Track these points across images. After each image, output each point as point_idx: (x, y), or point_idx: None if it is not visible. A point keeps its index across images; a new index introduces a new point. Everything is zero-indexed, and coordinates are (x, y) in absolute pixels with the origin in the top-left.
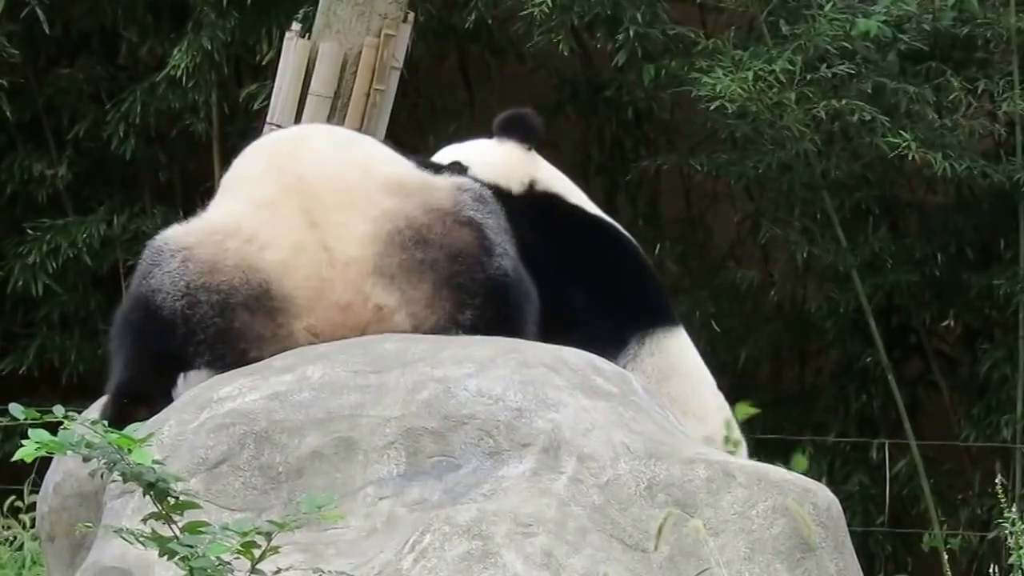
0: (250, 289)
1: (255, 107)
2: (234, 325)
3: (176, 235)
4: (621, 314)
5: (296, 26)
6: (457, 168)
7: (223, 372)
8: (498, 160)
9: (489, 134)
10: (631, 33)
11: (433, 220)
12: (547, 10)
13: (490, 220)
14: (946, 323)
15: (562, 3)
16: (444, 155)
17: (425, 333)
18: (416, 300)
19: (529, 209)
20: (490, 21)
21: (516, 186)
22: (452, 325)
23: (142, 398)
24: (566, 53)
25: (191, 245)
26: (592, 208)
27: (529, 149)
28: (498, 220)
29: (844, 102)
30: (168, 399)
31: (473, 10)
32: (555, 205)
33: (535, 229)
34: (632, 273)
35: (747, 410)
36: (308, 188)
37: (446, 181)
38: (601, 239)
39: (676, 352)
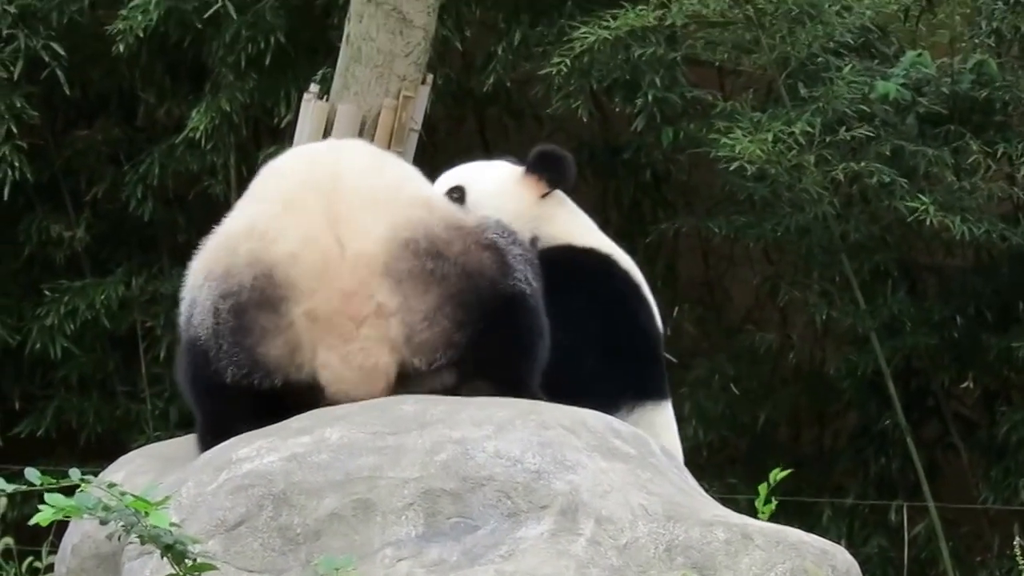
0: (256, 282)
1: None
2: (244, 323)
3: (198, 259)
4: (615, 382)
5: (314, 88)
6: (457, 192)
7: (244, 379)
8: (506, 202)
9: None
10: (650, 98)
11: (454, 237)
12: (565, 72)
13: (514, 249)
14: (965, 385)
15: (581, 67)
16: (456, 175)
17: (417, 345)
18: (416, 311)
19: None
20: (508, 84)
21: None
22: (445, 344)
23: (228, 434)
24: (585, 119)
25: (208, 263)
26: (611, 257)
27: (549, 193)
28: (523, 251)
29: (863, 164)
30: (255, 422)
31: (491, 73)
32: (555, 264)
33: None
34: (631, 340)
35: (779, 474)
36: (338, 188)
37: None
38: (602, 301)
39: (659, 426)
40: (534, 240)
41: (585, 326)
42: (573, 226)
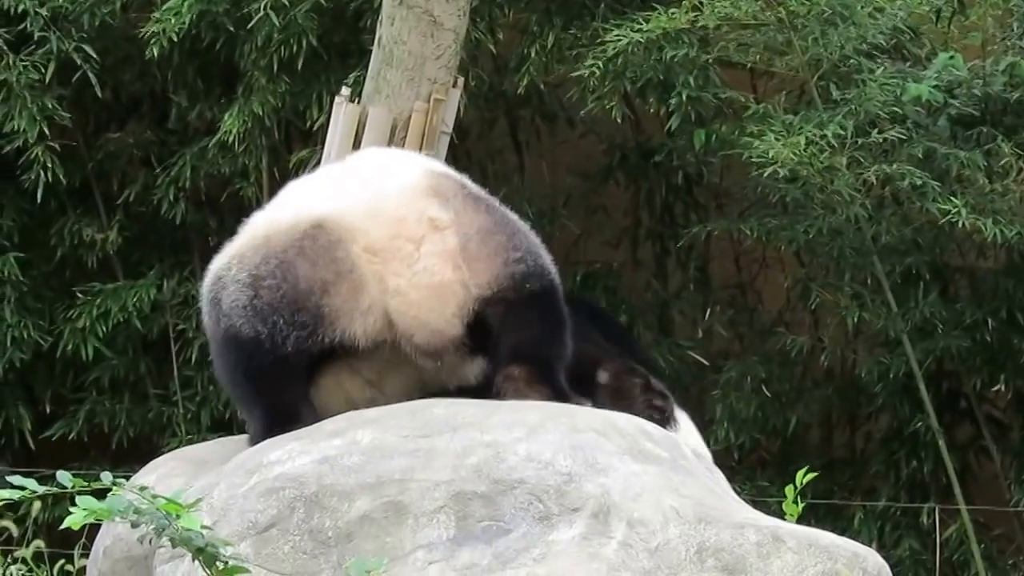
0: (304, 234)
1: (305, 173)
2: (299, 284)
3: (220, 255)
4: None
5: (346, 91)
6: None
7: (309, 340)
8: None
9: (541, 198)
10: (684, 98)
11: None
12: (598, 73)
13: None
14: (997, 388)
15: (615, 69)
16: None
17: (473, 257)
18: (471, 224)
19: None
20: (542, 86)
21: None
22: (504, 264)
23: (289, 423)
24: (619, 120)
25: (238, 247)
26: None
27: None
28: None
29: (895, 167)
30: (311, 407)
31: (525, 75)
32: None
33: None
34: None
35: (805, 476)
36: (361, 163)
37: None
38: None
39: None
40: None
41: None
42: None
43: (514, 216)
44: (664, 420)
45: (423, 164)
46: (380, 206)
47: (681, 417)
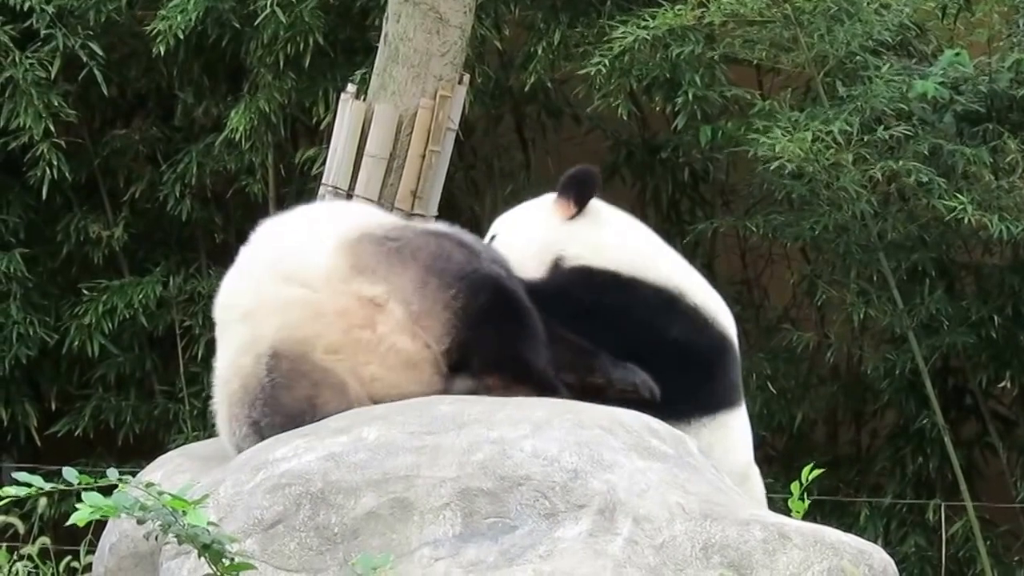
0: (268, 368)
1: (312, 170)
2: (289, 412)
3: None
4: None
5: (352, 88)
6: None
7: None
8: (530, 231)
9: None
10: (690, 96)
11: (403, 227)
12: (605, 71)
13: (465, 236)
14: (1002, 384)
15: (621, 67)
16: (500, 222)
17: (420, 317)
18: (403, 287)
19: (551, 291)
20: (549, 84)
21: (536, 267)
22: (445, 308)
23: None
24: (625, 117)
25: (217, 383)
26: (643, 272)
27: (577, 212)
28: (475, 240)
29: (901, 163)
30: None
31: (532, 73)
32: (580, 284)
33: (556, 313)
34: (663, 354)
35: (811, 473)
36: (274, 251)
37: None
38: (633, 318)
39: (710, 443)
40: (558, 262)
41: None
42: (596, 246)
43: (433, 231)
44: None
45: (333, 235)
46: (317, 308)
47: (717, 430)
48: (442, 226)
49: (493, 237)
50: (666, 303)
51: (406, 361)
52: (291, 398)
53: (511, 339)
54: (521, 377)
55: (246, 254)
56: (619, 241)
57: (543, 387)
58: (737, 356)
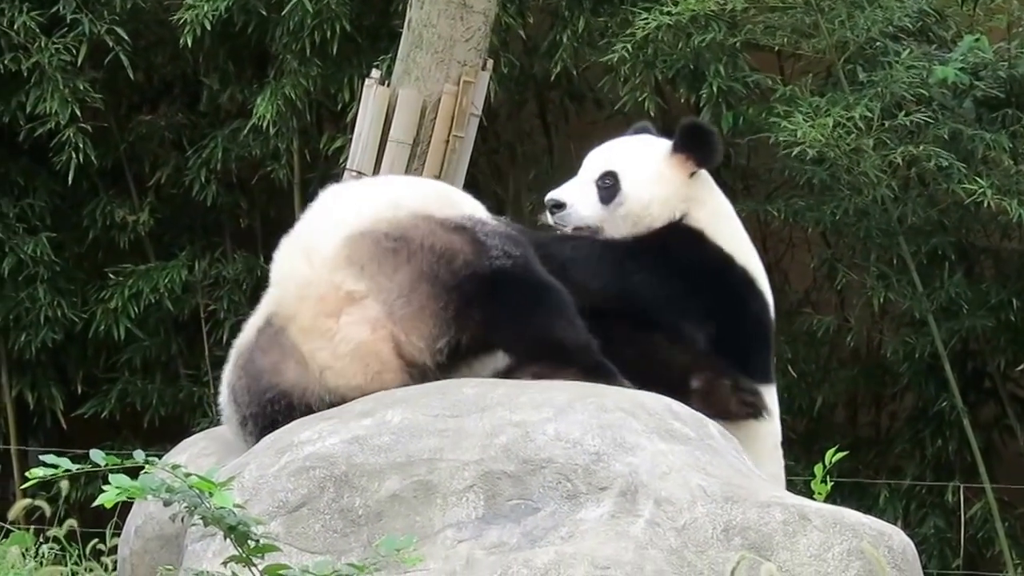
0: (258, 331)
1: (338, 156)
2: (255, 372)
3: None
4: (725, 362)
5: (376, 73)
6: (610, 178)
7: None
8: (659, 188)
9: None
10: (715, 88)
11: (419, 222)
12: (628, 59)
13: (483, 227)
14: (1021, 367)
15: (645, 59)
16: (605, 158)
17: (403, 320)
18: (388, 289)
19: (668, 242)
20: (575, 72)
21: (664, 214)
22: (437, 322)
23: None
24: (652, 112)
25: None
26: (739, 250)
27: (695, 172)
28: (494, 226)
29: (921, 148)
30: None
31: (558, 62)
32: (694, 244)
33: (666, 264)
34: (743, 327)
35: (834, 455)
36: (310, 224)
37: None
38: (726, 287)
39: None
40: (682, 218)
41: (696, 311)
42: (716, 214)
43: (456, 224)
44: (756, 414)
45: (348, 225)
46: (306, 290)
47: (767, 396)
48: (476, 215)
49: (608, 176)
50: (748, 282)
51: (354, 351)
52: (261, 361)
53: (527, 317)
54: (565, 361)
55: (302, 219)
56: (727, 212)
57: (591, 369)
58: None
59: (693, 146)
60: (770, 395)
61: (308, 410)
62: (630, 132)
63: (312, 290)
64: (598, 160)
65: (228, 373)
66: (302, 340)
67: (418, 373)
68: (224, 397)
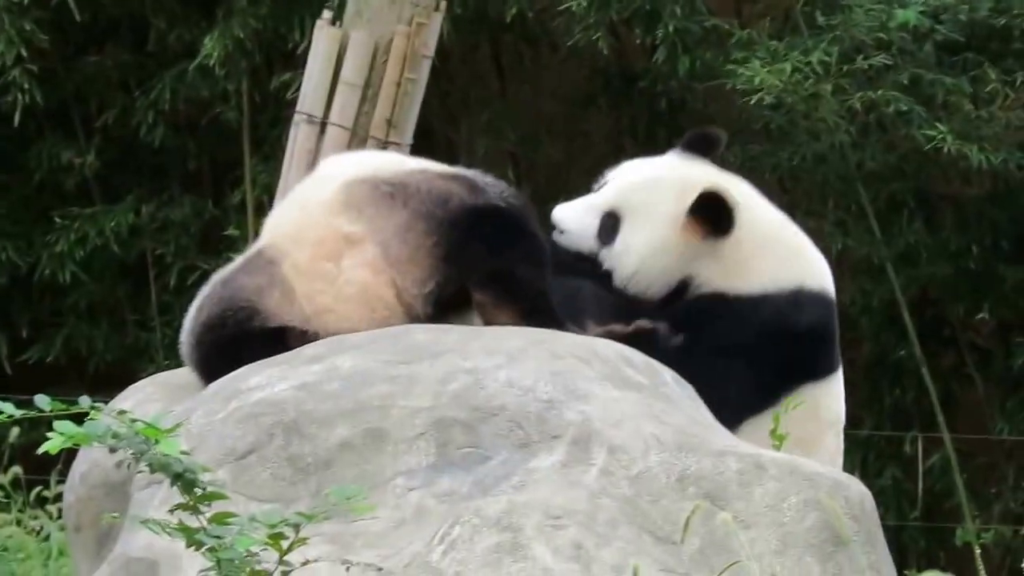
0: (246, 259)
1: (289, 99)
2: (235, 289)
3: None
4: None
5: (327, 14)
6: (612, 219)
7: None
8: (656, 250)
9: (524, 123)
10: (671, 29)
11: (415, 172)
12: (585, 5)
13: (486, 178)
14: (980, 316)
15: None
16: (628, 178)
17: (398, 261)
18: (384, 229)
19: (694, 323)
20: (530, 15)
21: (660, 282)
22: (427, 255)
23: None
24: (605, 51)
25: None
26: (776, 278)
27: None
28: (499, 187)
29: (880, 93)
30: None
31: (514, 3)
32: (716, 317)
33: (709, 350)
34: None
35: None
36: (305, 187)
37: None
38: (755, 361)
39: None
40: (686, 282)
41: (736, 378)
42: (735, 261)
43: (453, 174)
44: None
45: (346, 175)
46: (304, 229)
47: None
48: (472, 172)
49: (612, 216)
50: (790, 309)
51: (360, 295)
52: (245, 280)
53: (500, 250)
54: (511, 295)
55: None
56: (749, 266)
57: (537, 313)
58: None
59: (710, 216)
60: (836, 382)
61: (268, 340)
62: (684, 141)
63: (309, 233)
64: (616, 187)
65: (201, 291)
66: (296, 279)
67: (409, 321)
68: (190, 312)
